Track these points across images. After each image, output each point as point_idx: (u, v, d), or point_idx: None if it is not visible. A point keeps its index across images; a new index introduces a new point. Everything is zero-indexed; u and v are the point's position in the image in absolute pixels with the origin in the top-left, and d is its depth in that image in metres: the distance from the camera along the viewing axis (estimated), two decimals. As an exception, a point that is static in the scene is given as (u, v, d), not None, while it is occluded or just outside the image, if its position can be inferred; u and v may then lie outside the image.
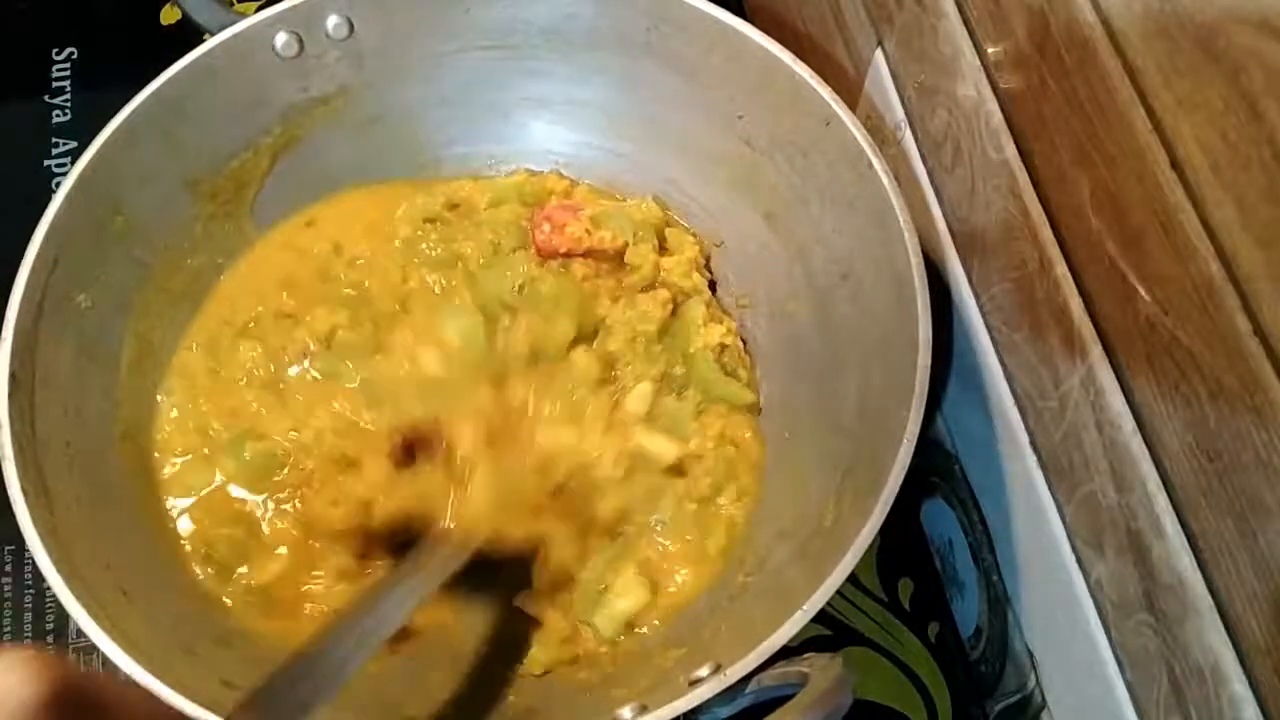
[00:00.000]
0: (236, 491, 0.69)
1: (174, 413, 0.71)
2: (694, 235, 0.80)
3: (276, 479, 0.69)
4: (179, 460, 0.70)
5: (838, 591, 0.55)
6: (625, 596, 0.66)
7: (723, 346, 0.74)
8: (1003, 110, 0.59)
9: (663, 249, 0.77)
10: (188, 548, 0.67)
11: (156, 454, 0.70)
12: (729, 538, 0.69)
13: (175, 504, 0.69)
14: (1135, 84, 0.48)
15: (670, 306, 0.74)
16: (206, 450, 0.70)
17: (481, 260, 0.75)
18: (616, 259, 0.76)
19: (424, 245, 0.77)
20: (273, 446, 0.70)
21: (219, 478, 0.69)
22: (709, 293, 0.77)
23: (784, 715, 0.49)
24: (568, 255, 0.75)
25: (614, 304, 0.74)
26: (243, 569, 0.67)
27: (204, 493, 0.69)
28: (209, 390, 0.72)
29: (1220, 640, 0.48)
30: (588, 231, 0.75)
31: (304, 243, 0.78)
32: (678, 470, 0.70)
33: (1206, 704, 0.50)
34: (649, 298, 0.74)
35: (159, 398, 0.71)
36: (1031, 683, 0.66)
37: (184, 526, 0.68)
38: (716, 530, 0.69)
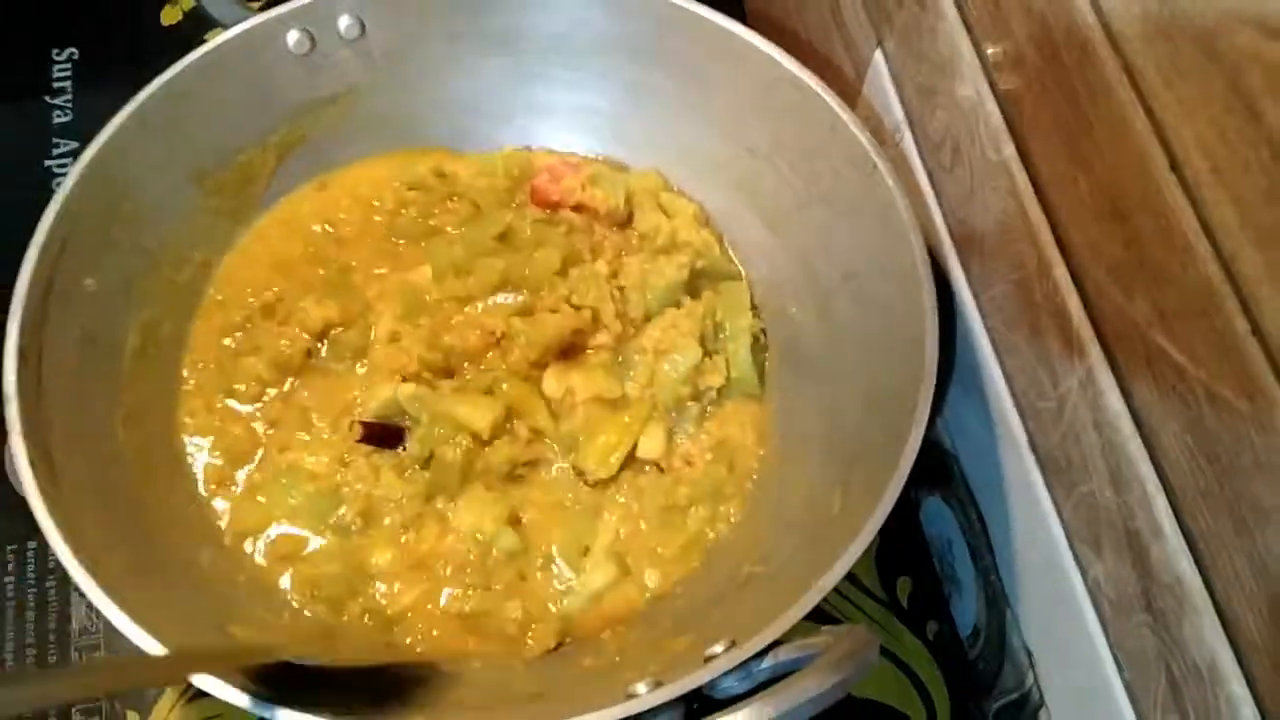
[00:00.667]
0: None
1: (202, 456, 0.72)
2: (690, 199, 0.81)
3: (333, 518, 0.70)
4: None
5: (837, 591, 0.55)
6: (596, 573, 0.68)
7: (753, 336, 0.76)
8: (1002, 111, 0.59)
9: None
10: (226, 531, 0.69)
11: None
12: (691, 547, 0.70)
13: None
14: (1134, 85, 0.48)
15: (687, 271, 0.75)
16: (261, 498, 0.71)
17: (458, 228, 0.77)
18: (609, 221, 0.77)
19: (404, 213, 0.79)
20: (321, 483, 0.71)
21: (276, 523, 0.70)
22: (736, 265, 0.79)
23: (806, 676, 0.49)
24: (559, 205, 0.77)
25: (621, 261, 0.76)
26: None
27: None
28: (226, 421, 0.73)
29: (1218, 640, 0.48)
30: (583, 187, 0.77)
31: (299, 220, 0.79)
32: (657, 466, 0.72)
33: (1204, 703, 0.50)
34: (668, 260, 0.75)
35: (184, 438, 0.72)
36: (1030, 681, 0.66)
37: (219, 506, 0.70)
38: (679, 537, 0.70)
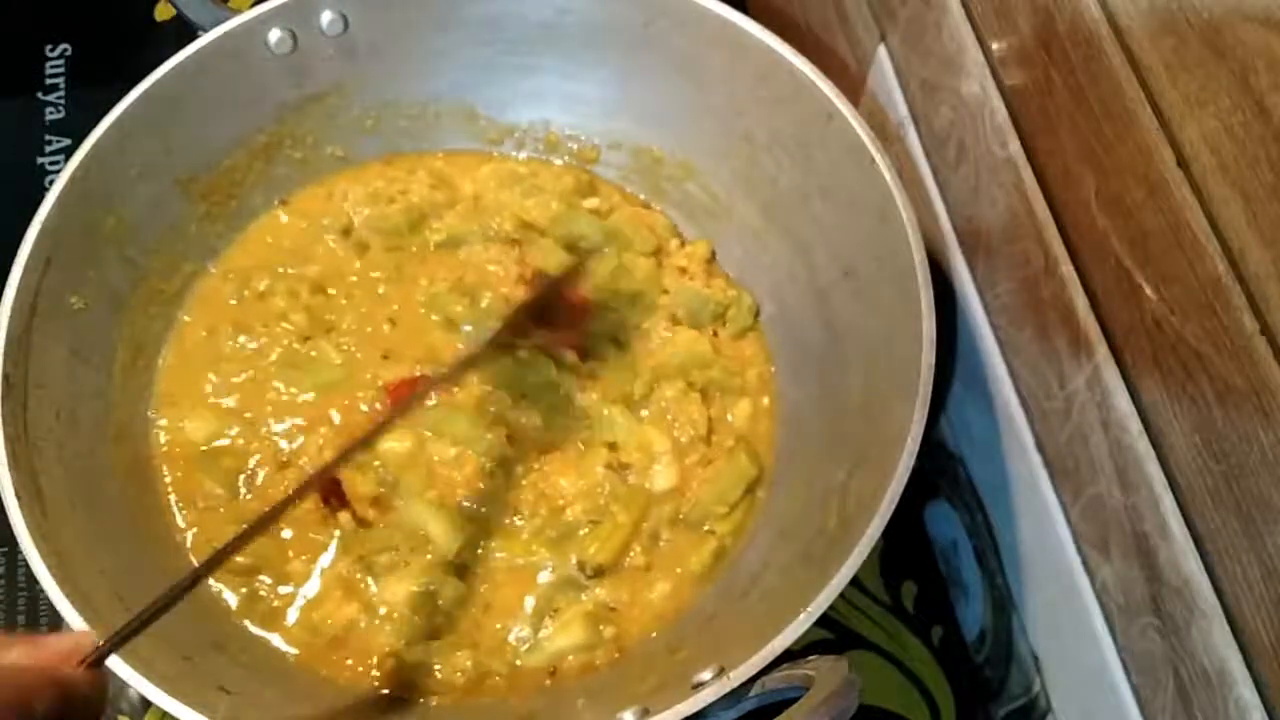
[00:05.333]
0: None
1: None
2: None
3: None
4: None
5: (840, 594, 0.55)
6: (564, 633, 0.66)
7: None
8: (1007, 107, 0.59)
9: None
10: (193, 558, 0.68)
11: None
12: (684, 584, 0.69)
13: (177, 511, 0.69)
14: (1141, 80, 0.48)
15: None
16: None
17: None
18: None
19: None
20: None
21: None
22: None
23: (790, 719, 0.49)
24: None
25: None
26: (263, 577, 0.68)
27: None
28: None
29: (1227, 643, 0.48)
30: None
31: (292, 224, 0.79)
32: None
33: (1214, 708, 0.50)
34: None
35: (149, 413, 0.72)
36: (1036, 686, 0.66)
37: (186, 528, 0.69)
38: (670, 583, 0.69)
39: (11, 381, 0.60)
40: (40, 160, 0.90)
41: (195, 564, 0.67)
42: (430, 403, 0.71)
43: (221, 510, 0.69)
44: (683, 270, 0.77)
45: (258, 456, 0.70)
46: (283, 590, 0.67)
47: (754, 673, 0.53)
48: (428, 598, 0.66)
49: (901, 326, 0.62)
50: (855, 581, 0.72)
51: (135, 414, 0.70)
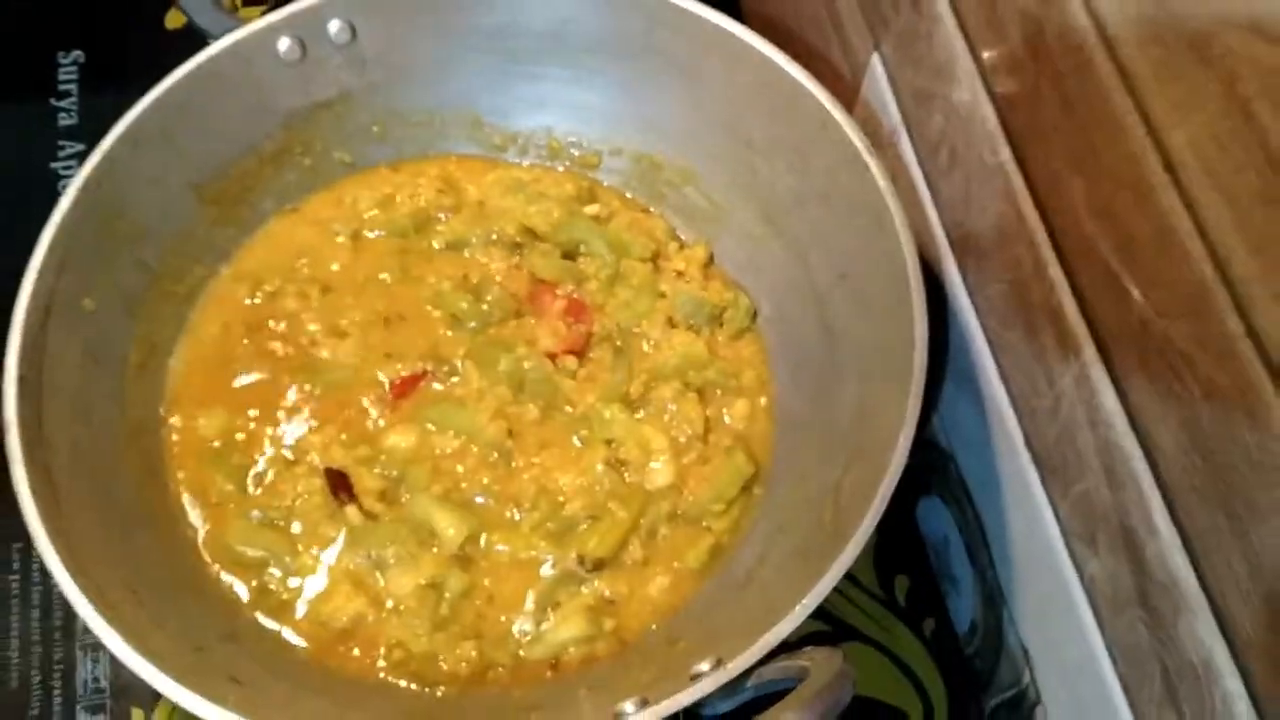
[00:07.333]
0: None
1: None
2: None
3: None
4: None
5: (835, 588, 0.56)
6: (565, 626, 0.67)
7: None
8: (998, 114, 0.59)
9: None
10: (205, 552, 0.69)
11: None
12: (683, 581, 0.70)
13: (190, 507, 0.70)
14: (1129, 88, 0.48)
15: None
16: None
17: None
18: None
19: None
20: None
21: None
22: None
23: (785, 708, 0.50)
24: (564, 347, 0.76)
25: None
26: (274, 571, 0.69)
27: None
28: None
29: (1213, 636, 0.48)
30: (587, 338, 0.77)
31: (300, 228, 0.80)
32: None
33: (1199, 699, 0.50)
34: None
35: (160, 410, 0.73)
36: (1026, 678, 0.66)
37: (197, 524, 0.70)
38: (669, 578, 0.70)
39: (27, 381, 0.61)
40: (53, 165, 0.91)
41: (206, 559, 0.68)
42: (435, 388, 0.73)
43: (231, 506, 0.70)
44: (680, 273, 0.78)
45: (268, 454, 0.71)
46: (292, 583, 0.68)
47: (751, 664, 0.54)
48: (433, 590, 0.67)
49: (895, 328, 0.63)
50: (849, 575, 0.72)
51: (148, 413, 0.71)
